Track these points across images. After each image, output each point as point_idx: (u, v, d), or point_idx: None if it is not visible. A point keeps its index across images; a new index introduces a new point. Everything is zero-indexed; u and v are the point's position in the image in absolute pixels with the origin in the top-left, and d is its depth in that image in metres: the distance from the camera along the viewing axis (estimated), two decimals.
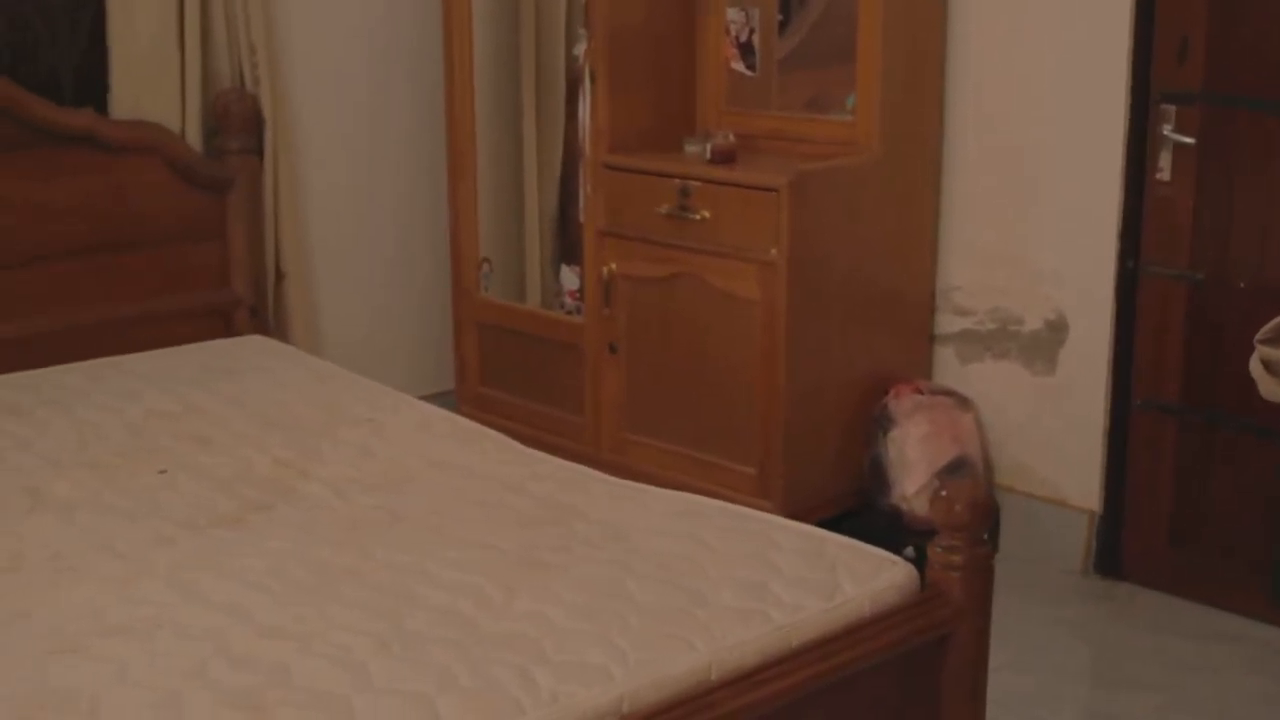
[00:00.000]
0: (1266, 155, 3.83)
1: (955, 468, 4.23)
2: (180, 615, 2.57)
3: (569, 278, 4.97)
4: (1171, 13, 3.91)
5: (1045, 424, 4.30)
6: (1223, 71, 3.86)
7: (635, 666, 2.37)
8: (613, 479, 3.30)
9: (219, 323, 4.49)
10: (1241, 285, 3.88)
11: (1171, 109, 3.92)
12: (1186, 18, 3.88)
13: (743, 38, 4.56)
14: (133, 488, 3.21)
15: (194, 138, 4.51)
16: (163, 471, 3.29)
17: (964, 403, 4.39)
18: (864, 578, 2.67)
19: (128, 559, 2.83)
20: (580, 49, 4.70)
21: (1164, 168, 3.97)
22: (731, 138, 4.35)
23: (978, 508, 2.68)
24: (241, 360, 4.16)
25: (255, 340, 4.40)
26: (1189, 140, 3.91)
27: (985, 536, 2.70)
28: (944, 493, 2.70)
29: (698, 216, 4.20)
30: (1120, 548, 4.21)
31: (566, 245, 5.05)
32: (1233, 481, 3.95)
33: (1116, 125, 3.99)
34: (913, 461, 4.23)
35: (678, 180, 4.26)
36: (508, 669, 2.35)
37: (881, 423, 4.30)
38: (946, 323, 4.49)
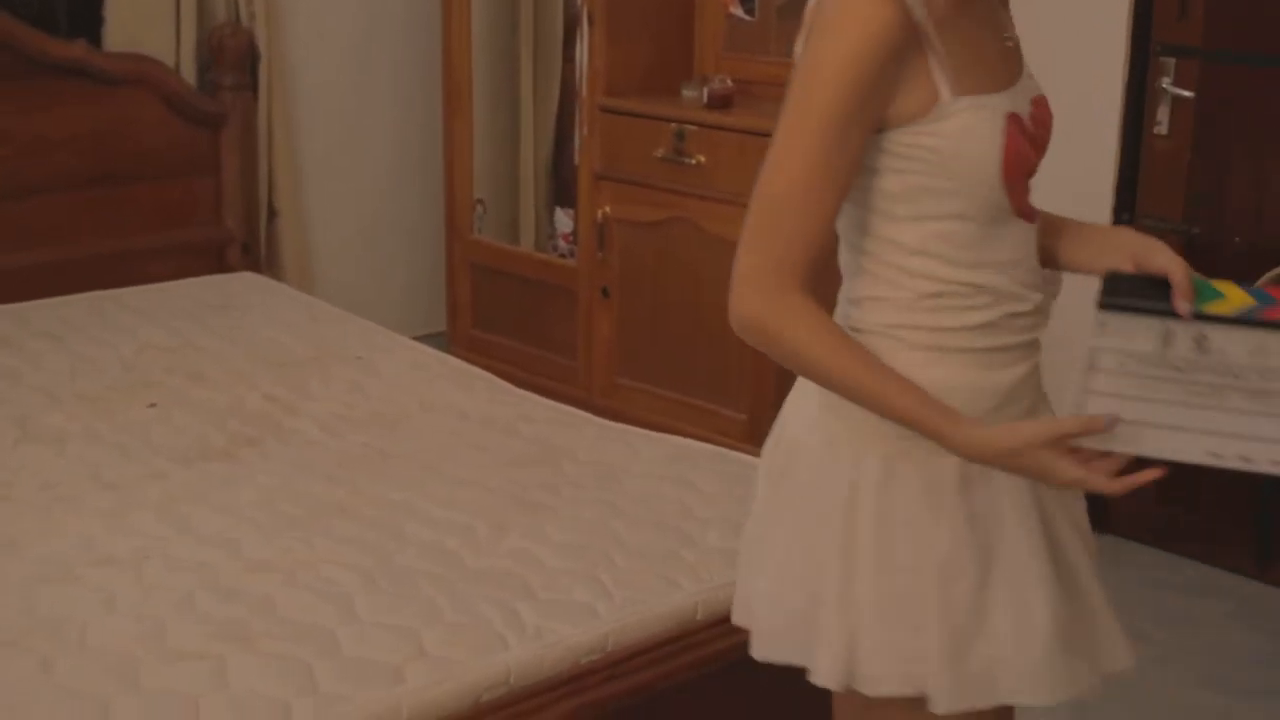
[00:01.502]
0: (1264, 111, 3.81)
1: None
2: (169, 547, 2.58)
3: (563, 221, 4.96)
4: None
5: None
6: (1222, 26, 3.84)
7: (621, 605, 2.38)
8: (603, 421, 3.31)
9: (212, 259, 4.48)
10: (1236, 240, 3.88)
11: (1171, 62, 3.91)
12: None
13: None
14: (124, 421, 3.21)
15: (188, 72, 4.48)
16: (152, 405, 3.30)
17: None
18: None
19: (118, 490, 2.84)
20: None
21: (1162, 121, 3.96)
22: (729, 82, 4.33)
23: None
24: (234, 296, 4.16)
25: (248, 277, 4.39)
26: (1187, 94, 3.90)
27: None
28: None
29: (693, 161, 4.18)
30: (1109, 503, 4.22)
31: (561, 188, 5.03)
32: None
33: (1115, 78, 3.97)
34: None
35: (674, 124, 4.25)
36: (494, 605, 2.36)
37: None
38: None
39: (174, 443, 3.09)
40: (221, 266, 4.47)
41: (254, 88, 4.57)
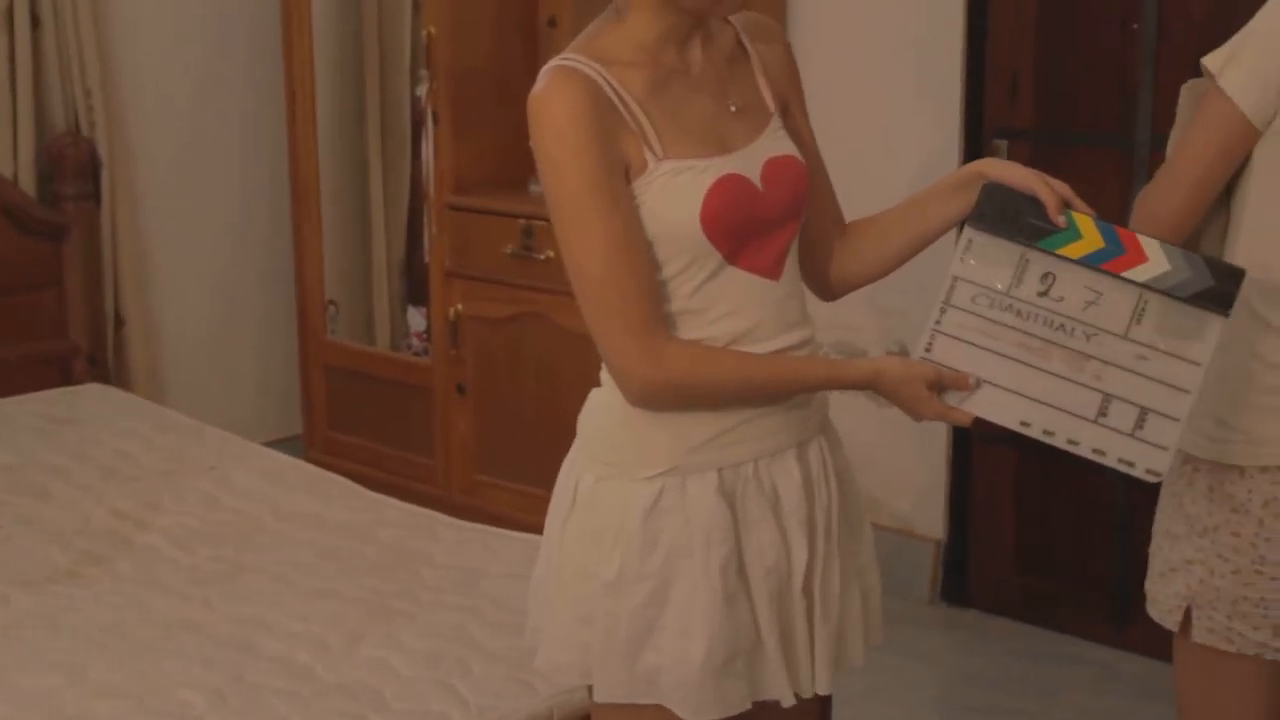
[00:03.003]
0: (1097, 188, 3.91)
1: None
2: (12, 676, 2.51)
3: (416, 319, 4.94)
4: (1002, 51, 4.00)
5: (892, 455, 4.36)
6: (1052, 107, 3.96)
7: (476, 712, 2.36)
8: (462, 523, 3.29)
9: (57, 372, 4.38)
10: None
11: (1004, 144, 4.01)
12: (1016, 56, 3.98)
13: None
14: None
15: (27, 183, 4.41)
16: None
17: None
18: None
19: None
20: (423, 89, 4.69)
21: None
22: None
23: None
24: (81, 410, 4.08)
25: (95, 389, 4.30)
26: None
27: None
28: None
29: (542, 256, 4.20)
30: (966, 576, 4.27)
31: (414, 286, 5.02)
32: (1074, 507, 4.03)
33: (951, 162, 4.06)
34: None
35: (522, 220, 4.26)
36: (346, 718, 2.32)
37: None
38: None
39: (17, 566, 3.01)
40: (67, 379, 4.38)
41: (96, 196, 4.51)
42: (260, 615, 2.74)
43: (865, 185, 4.20)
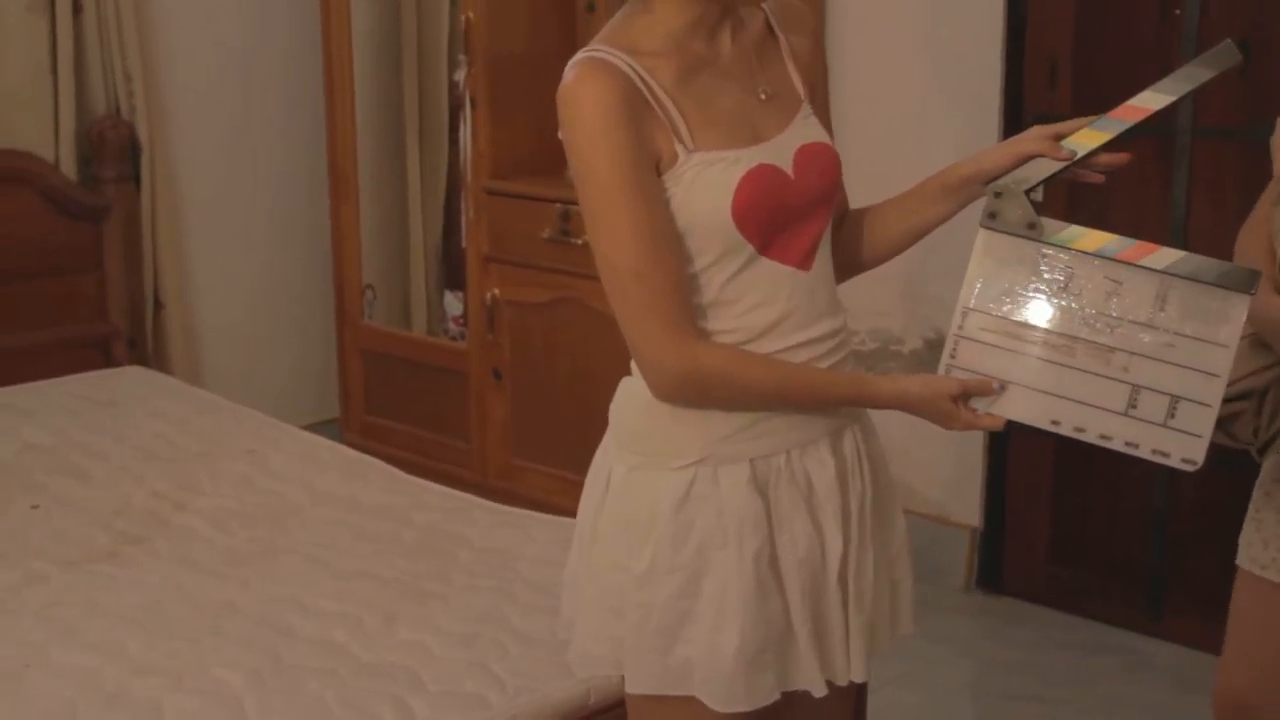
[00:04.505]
0: (1137, 176, 3.90)
1: None
2: (51, 655, 2.53)
3: (453, 304, 4.95)
4: (1041, 36, 3.98)
5: (927, 443, 4.34)
6: (1091, 93, 3.93)
7: (513, 694, 2.37)
8: (498, 506, 3.30)
9: (97, 354, 4.42)
10: None
11: None
12: (1055, 41, 3.96)
13: None
14: (4, 524, 3.15)
15: (68, 167, 4.44)
16: (35, 507, 3.24)
17: None
18: None
19: None
20: (461, 75, 4.70)
21: (1038, 190, 4.03)
22: None
23: None
24: (120, 392, 4.10)
25: (134, 371, 4.34)
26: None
27: None
28: None
29: (579, 241, 4.20)
30: (1001, 564, 4.26)
31: (451, 271, 5.03)
32: (1110, 495, 4.02)
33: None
34: None
35: (559, 205, 4.26)
36: (383, 699, 2.33)
37: None
38: None
39: (56, 545, 3.04)
40: (107, 362, 4.42)
41: (136, 179, 4.54)
42: (296, 595, 2.76)
43: (903, 169, 4.19)
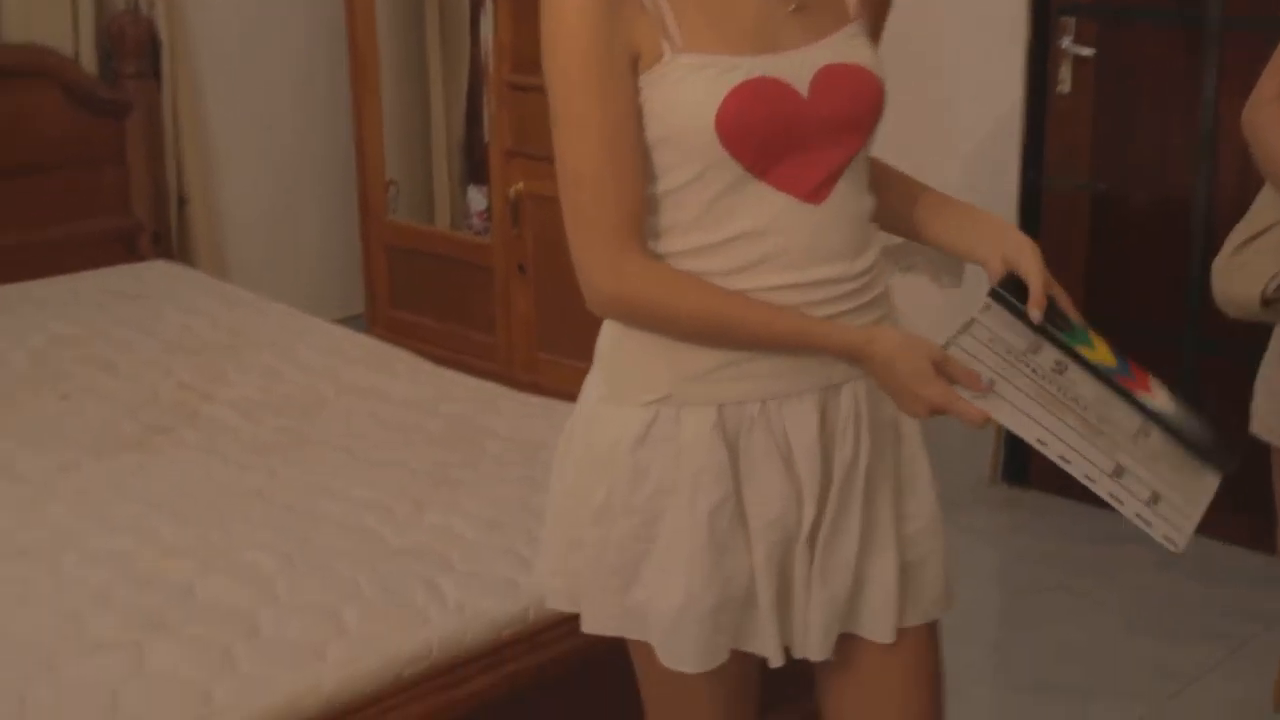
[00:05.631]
0: (1163, 66, 3.86)
1: None
2: (84, 538, 2.55)
3: (477, 198, 4.94)
4: None
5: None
6: None
7: None
8: (525, 396, 3.31)
9: (122, 248, 4.42)
10: (1142, 195, 3.92)
11: (1071, 20, 3.94)
12: None
13: None
14: (35, 413, 3.17)
15: (88, 62, 4.42)
16: (65, 397, 3.26)
17: None
18: None
19: (31, 483, 2.80)
20: None
21: (1064, 80, 3.99)
22: None
23: None
24: (147, 285, 4.11)
25: (160, 265, 4.34)
26: (1088, 52, 3.93)
27: None
28: None
29: None
30: (1027, 456, 4.27)
31: (474, 166, 5.01)
32: None
33: (1017, 38, 4.00)
34: None
35: None
36: (414, 580, 2.35)
37: None
38: None
39: (87, 434, 3.06)
40: (133, 256, 4.41)
41: (157, 75, 4.51)
42: (325, 483, 2.77)
43: (931, 59, 4.16)
